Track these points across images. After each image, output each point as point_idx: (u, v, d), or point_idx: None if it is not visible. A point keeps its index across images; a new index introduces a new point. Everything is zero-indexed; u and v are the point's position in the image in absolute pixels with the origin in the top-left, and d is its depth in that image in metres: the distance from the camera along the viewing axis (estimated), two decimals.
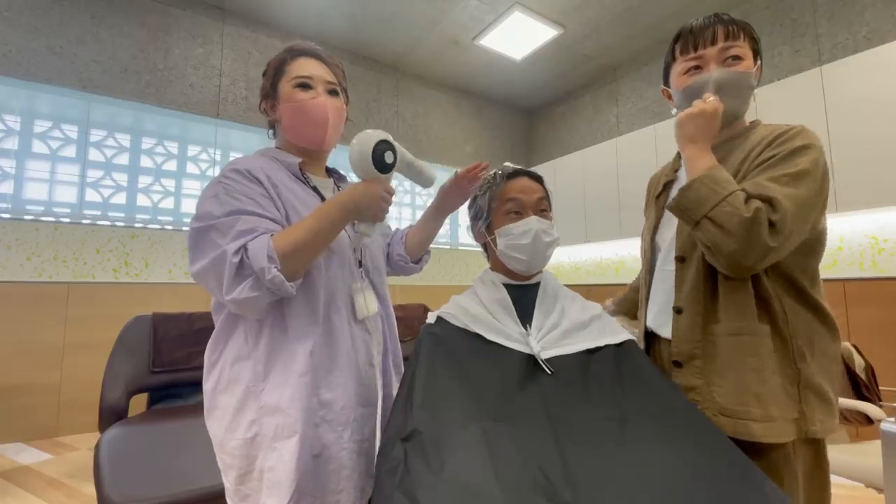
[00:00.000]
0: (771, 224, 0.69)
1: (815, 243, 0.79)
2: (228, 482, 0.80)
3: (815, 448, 0.78)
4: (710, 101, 0.79)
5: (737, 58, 0.82)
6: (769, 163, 0.76)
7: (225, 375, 0.81)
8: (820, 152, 0.76)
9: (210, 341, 0.85)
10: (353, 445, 0.81)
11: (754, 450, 0.72)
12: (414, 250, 1.08)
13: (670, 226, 0.91)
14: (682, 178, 0.88)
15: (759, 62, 0.85)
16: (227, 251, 0.71)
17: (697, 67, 0.85)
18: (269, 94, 0.91)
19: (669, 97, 0.95)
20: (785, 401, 0.75)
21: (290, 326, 0.80)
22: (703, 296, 0.81)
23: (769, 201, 0.71)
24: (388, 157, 0.80)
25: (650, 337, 0.94)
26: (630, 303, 1.15)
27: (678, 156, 0.98)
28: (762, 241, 0.69)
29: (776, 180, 0.73)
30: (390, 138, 0.81)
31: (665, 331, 0.88)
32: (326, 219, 0.77)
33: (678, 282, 0.85)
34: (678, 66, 0.88)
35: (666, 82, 0.95)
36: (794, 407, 0.75)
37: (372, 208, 0.80)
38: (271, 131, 0.97)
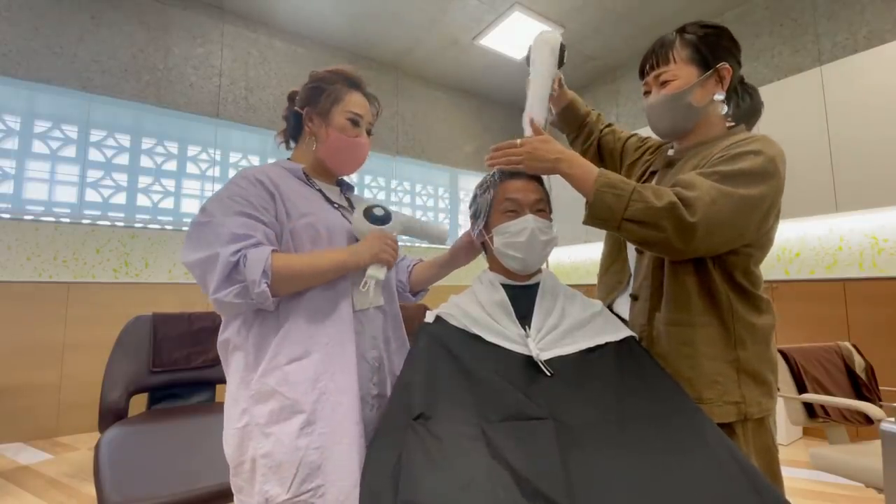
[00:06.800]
0: (685, 203, 0.73)
1: (760, 245, 0.84)
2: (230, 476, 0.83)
3: (762, 426, 0.84)
4: (524, 138, 0.89)
5: (664, 83, 0.90)
6: (708, 164, 0.80)
7: (227, 363, 0.85)
8: (769, 160, 0.78)
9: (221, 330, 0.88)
10: (351, 431, 0.80)
11: None
12: (416, 284, 1.14)
13: None
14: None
15: (716, 68, 0.87)
16: (222, 254, 0.74)
17: (647, 93, 0.95)
18: (322, 112, 0.95)
19: None
20: (723, 385, 0.80)
21: (282, 314, 0.82)
22: (651, 284, 0.89)
23: (684, 185, 0.75)
24: (378, 212, 0.94)
25: None
26: None
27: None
28: (682, 220, 0.72)
29: (706, 176, 0.76)
30: (382, 203, 0.96)
31: (626, 315, 0.96)
32: (329, 257, 0.84)
33: (636, 271, 0.94)
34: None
35: None
36: (735, 391, 0.80)
37: (373, 249, 0.87)
38: (282, 141, 1.03)
